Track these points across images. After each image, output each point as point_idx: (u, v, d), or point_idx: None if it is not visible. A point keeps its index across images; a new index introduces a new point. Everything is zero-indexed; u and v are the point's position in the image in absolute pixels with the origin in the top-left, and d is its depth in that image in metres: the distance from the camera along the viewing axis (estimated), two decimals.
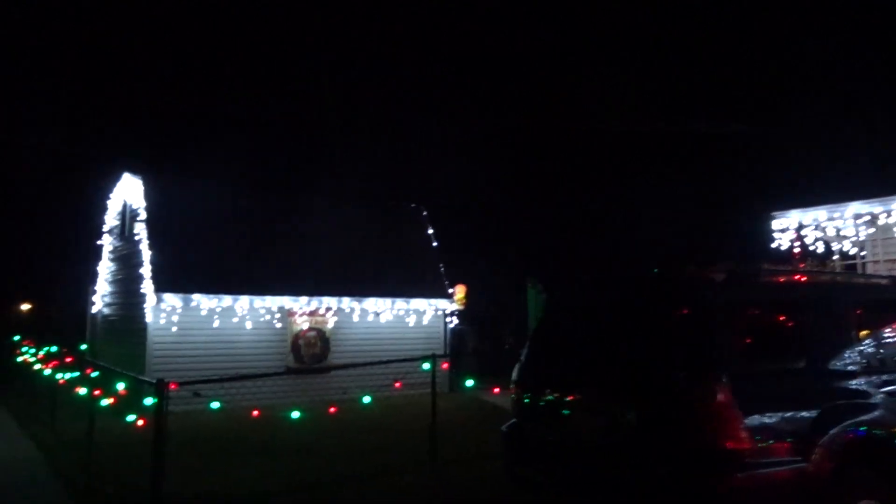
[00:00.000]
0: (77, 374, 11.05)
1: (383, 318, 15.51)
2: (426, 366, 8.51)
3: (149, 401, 6.97)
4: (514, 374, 6.20)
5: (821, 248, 11.97)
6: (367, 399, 8.12)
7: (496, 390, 9.98)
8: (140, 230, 14.09)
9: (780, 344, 5.02)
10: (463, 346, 17.19)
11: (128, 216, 15.37)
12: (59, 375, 11.88)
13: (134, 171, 15.10)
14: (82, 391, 10.20)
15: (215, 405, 7.23)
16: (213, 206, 14.80)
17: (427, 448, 8.98)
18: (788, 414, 4.62)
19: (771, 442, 4.49)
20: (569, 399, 5.38)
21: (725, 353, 4.61)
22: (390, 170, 22.68)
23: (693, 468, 4.38)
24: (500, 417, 12.42)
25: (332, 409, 7.94)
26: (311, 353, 14.58)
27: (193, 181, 15.84)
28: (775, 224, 11.59)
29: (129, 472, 8.21)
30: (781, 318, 5.10)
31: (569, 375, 5.40)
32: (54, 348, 13.33)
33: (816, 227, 11.64)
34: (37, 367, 13.92)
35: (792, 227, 11.58)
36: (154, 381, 6.86)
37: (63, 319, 21.52)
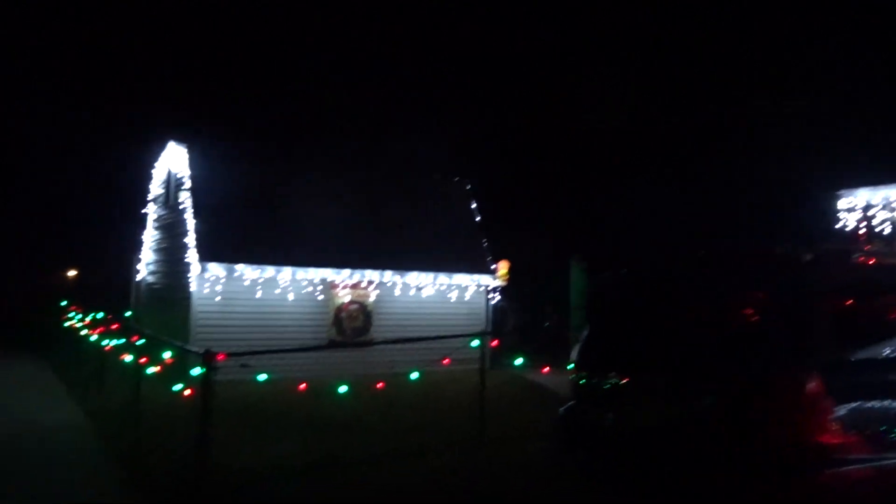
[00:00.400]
0: (123, 340, 11.09)
1: (425, 293, 15.32)
2: (475, 343, 8.25)
3: (196, 371, 6.87)
4: (574, 355, 5.92)
5: (888, 229, 11.33)
6: (415, 375, 7.92)
7: (546, 370, 9.70)
8: (185, 199, 14.06)
9: (872, 330, 4.63)
10: (505, 322, 16.93)
11: (172, 184, 15.36)
12: (105, 342, 11.95)
13: (179, 140, 15.05)
14: (128, 358, 10.22)
15: (262, 377, 7.09)
16: (256, 174, 14.70)
17: (472, 427, 8.80)
18: (882, 406, 4.26)
19: (863, 436, 4.14)
20: (636, 383, 5.08)
21: (815, 339, 4.25)
22: (434, 142, 22.31)
23: (779, 462, 4.06)
24: (544, 396, 12.21)
25: (379, 385, 7.74)
26: (353, 327, 14.47)
27: (237, 149, 15.76)
28: (841, 203, 11.00)
29: (174, 441, 8.17)
30: (875, 303, 4.71)
31: (637, 358, 5.10)
32: (101, 314, 13.44)
33: (885, 207, 11.02)
34: (83, 332, 14.07)
35: (859, 206, 10.97)
36: (202, 351, 6.74)
37: (107, 286, 21.81)
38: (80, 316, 15.39)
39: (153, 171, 16.68)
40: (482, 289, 16.17)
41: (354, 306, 14.52)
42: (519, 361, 8.47)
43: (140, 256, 17.48)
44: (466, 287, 15.86)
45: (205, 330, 13.09)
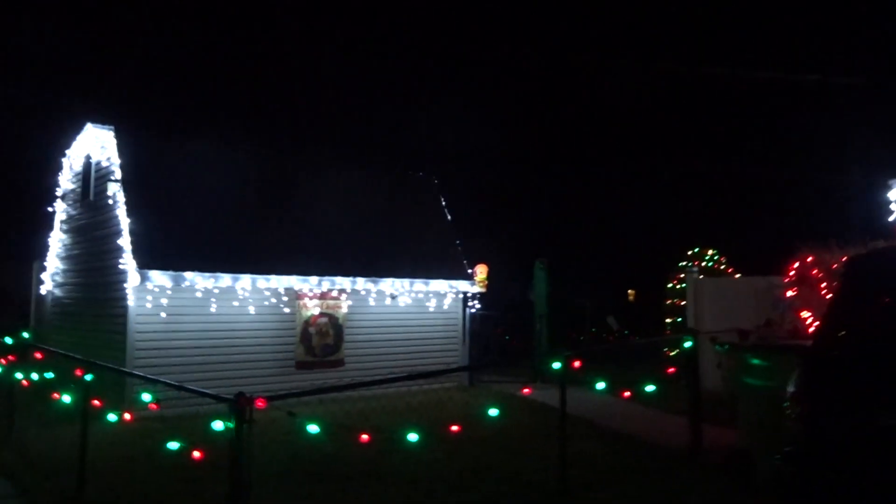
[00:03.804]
0: (52, 374, 8.45)
1: (401, 302, 13.37)
2: (557, 365, 6.48)
3: (218, 424, 4.73)
4: (793, 385, 4.30)
5: None
6: (494, 412, 6.09)
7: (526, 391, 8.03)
8: (113, 193, 11.43)
9: None
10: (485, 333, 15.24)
11: (93, 177, 12.58)
12: (18, 375, 9.19)
13: (101, 122, 12.34)
14: (66, 399, 7.67)
15: (314, 429, 5.01)
16: (204, 167, 12.25)
17: (523, 466, 7.14)
18: None
19: None
20: None
21: None
22: (394, 137, 20.37)
23: None
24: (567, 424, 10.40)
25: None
26: (322, 344, 12.28)
27: (179, 137, 13.22)
28: (893, 194, 10.07)
29: None
30: None
31: None
32: (8, 339, 10.53)
33: None
34: None
35: None
36: (232, 396, 4.61)
37: None
38: None
39: (63, 161, 13.75)
40: (459, 296, 14.41)
41: (324, 320, 12.34)
42: (601, 385, 6.77)
43: (45, 264, 14.41)
44: (444, 294, 14.04)
45: (146, 353, 10.59)
